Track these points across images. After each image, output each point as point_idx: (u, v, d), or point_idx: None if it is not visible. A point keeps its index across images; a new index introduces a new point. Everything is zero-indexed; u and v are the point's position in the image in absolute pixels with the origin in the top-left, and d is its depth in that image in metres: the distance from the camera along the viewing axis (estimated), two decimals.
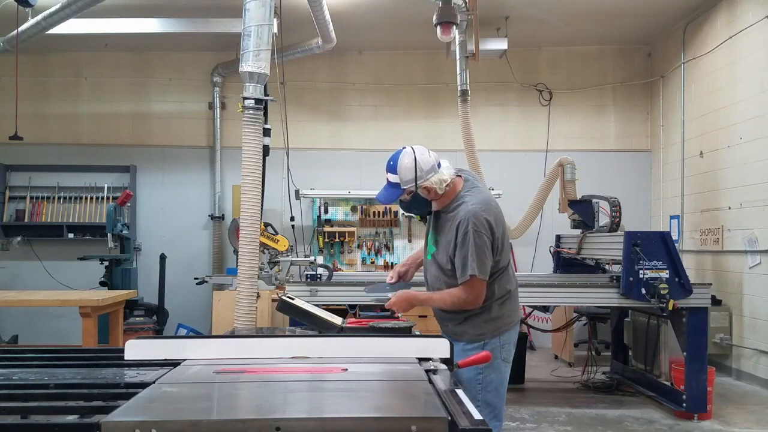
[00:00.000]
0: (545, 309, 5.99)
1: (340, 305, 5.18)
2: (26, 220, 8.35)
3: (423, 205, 2.92)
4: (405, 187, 2.82)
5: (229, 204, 8.56)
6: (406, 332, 2.61)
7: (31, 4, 6.08)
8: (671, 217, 8.05)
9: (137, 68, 8.70)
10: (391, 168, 2.83)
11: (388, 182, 2.85)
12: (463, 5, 6.32)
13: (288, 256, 6.68)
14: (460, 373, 2.68)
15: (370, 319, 3.03)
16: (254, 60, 4.05)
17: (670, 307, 4.93)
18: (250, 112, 4.10)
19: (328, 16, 6.68)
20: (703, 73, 7.36)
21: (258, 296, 4.35)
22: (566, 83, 8.65)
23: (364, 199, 8.52)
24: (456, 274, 2.83)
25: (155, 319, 7.33)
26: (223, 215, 8.58)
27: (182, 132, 8.69)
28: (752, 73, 6.41)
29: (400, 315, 3.14)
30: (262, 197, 4.34)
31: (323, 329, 2.64)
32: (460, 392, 1.54)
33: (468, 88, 6.64)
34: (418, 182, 2.80)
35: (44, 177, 8.47)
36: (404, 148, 2.88)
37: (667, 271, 5.00)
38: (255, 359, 1.94)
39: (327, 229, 8.45)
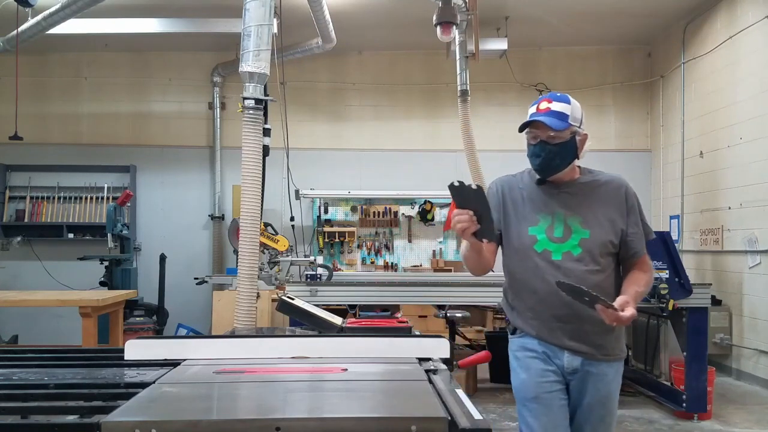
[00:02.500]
0: None
1: (340, 305, 5.18)
2: (26, 220, 8.35)
3: (568, 156, 2.39)
4: (573, 123, 2.37)
5: (229, 204, 8.56)
6: (405, 332, 2.61)
7: (31, 4, 6.09)
8: (671, 217, 8.05)
9: (137, 68, 8.70)
10: (561, 98, 2.39)
11: (550, 110, 2.36)
12: (463, 5, 6.32)
13: (288, 256, 6.68)
14: (610, 384, 2.36)
15: (370, 319, 3.03)
16: (254, 60, 4.06)
17: (670, 307, 4.93)
18: (250, 112, 4.10)
19: (328, 16, 6.68)
20: (703, 73, 7.36)
21: (258, 296, 4.36)
22: (566, 83, 8.64)
23: (364, 199, 8.52)
24: (621, 253, 2.41)
25: (155, 319, 7.33)
26: (223, 215, 8.58)
27: (182, 132, 8.69)
28: (752, 73, 6.41)
29: (399, 315, 3.11)
30: (262, 197, 4.34)
31: (323, 329, 2.64)
32: (459, 392, 1.54)
33: (468, 88, 6.64)
34: (581, 127, 2.43)
35: (44, 177, 8.46)
36: None
37: (667, 271, 5.00)
38: (255, 359, 1.94)
39: (327, 229, 8.45)
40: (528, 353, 2.41)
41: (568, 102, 2.39)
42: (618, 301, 2.19)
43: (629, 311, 2.18)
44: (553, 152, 2.37)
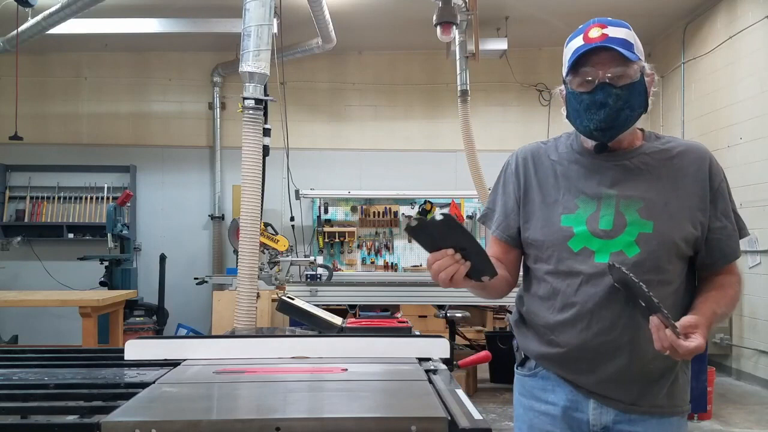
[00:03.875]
0: None
1: (340, 305, 5.19)
2: (26, 220, 8.35)
3: (638, 105, 1.64)
4: (640, 56, 1.63)
5: (229, 204, 8.56)
6: (405, 332, 2.61)
7: (31, 4, 6.09)
8: None
9: (137, 68, 8.70)
10: (617, 22, 1.67)
11: (609, 37, 1.60)
12: (463, 5, 6.32)
13: (288, 256, 6.69)
14: None
15: (370, 319, 3.03)
16: (254, 60, 4.05)
17: None
18: (250, 112, 4.09)
19: (328, 16, 6.68)
20: (703, 73, 7.36)
21: (258, 296, 4.35)
22: None
23: (364, 199, 8.52)
24: (700, 258, 1.69)
25: (155, 319, 7.33)
26: (223, 215, 8.58)
27: (182, 132, 8.69)
28: (752, 73, 6.41)
29: (399, 315, 3.09)
30: (262, 197, 4.34)
31: (323, 329, 2.64)
32: (460, 392, 1.54)
33: (468, 88, 6.64)
34: (645, 63, 1.66)
35: (44, 177, 8.47)
36: None
37: None
38: (255, 359, 1.94)
39: (327, 229, 8.45)
40: (536, 404, 1.77)
41: (628, 27, 1.65)
42: (683, 322, 1.49)
43: (696, 341, 1.47)
44: (623, 99, 1.59)
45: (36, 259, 8.34)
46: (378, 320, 3.02)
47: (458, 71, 6.67)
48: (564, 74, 1.71)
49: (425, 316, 6.73)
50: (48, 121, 8.60)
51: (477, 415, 1.34)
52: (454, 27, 6.07)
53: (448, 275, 1.52)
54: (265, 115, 4.32)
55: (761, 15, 6.25)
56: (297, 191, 8.04)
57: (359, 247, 8.56)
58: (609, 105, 1.59)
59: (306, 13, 6.56)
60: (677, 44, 7.84)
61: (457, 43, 6.64)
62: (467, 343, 6.57)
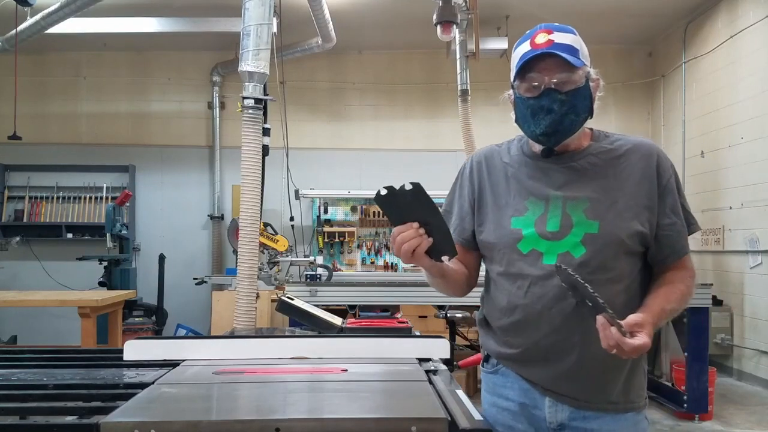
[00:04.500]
0: None
1: (340, 305, 5.17)
2: (25, 220, 8.34)
3: (583, 110, 1.68)
4: (585, 62, 1.70)
5: (228, 204, 8.55)
6: (405, 333, 2.60)
7: (30, 3, 6.07)
8: None
9: (136, 68, 8.69)
10: (563, 28, 1.71)
11: (554, 43, 1.64)
12: (464, 4, 6.31)
13: (287, 256, 6.68)
14: None
15: (370, 320, 3.02)
16: (253, 59, 4.04)
17: None
18: (250, 111, 4.08)
19: (328, 16, 6.68)
20: (703, 73, 7.36)
21: (257, 296, 4.34)
22: None
23: (364, 199, 8.51)
24: (651, 254, 1.70)
25: (154, 320, 7.32)
26: (222, 215, 8.57)
27: (181, 132, 8.68)
28: (753, 73, 6.40)
29: (399, 315, 3.08)
30: (262, 197, 4.33)
31: (323, 329, 2.63)
32: (460, 392, 1.53)
33: (468, 88, 6.64)
34: (590, 69, 1.73)
35: (43, 177, 8.45)
36: None
37: None
38: (254, 359, 1.93)
39: (327, 229, 8.44)
40: (498, 400, 1.81)
41: (574, 33, 1.70)
42: (628, 321, 1.48)
43: (640, 339, 1.46)
44: (568, 104, 1.63)
45: (35, 259, 8.33)
46: (378, 320, 3.02)
47: (458, 70, 6.67)
48: (512, 79, 1.70)
49: (425, 317, 6.72)
50: (47, 120, 8.59)
51: (477, 416, 1.34)
52: (455, 26, 6.07)
53: (411, 247, 1.54)
54: (265, 114, 4.31)
55: (762, 15, 6.25)
56: (297, 191, 8.03)
57: (359, 247, 8.55)
58: (554, 110, 1.63)
59: (306, 13, 6.56)
60: (678, 44, 7.84)
61: (457, 42, 6.64)
62: (467, 343, 6.56)
